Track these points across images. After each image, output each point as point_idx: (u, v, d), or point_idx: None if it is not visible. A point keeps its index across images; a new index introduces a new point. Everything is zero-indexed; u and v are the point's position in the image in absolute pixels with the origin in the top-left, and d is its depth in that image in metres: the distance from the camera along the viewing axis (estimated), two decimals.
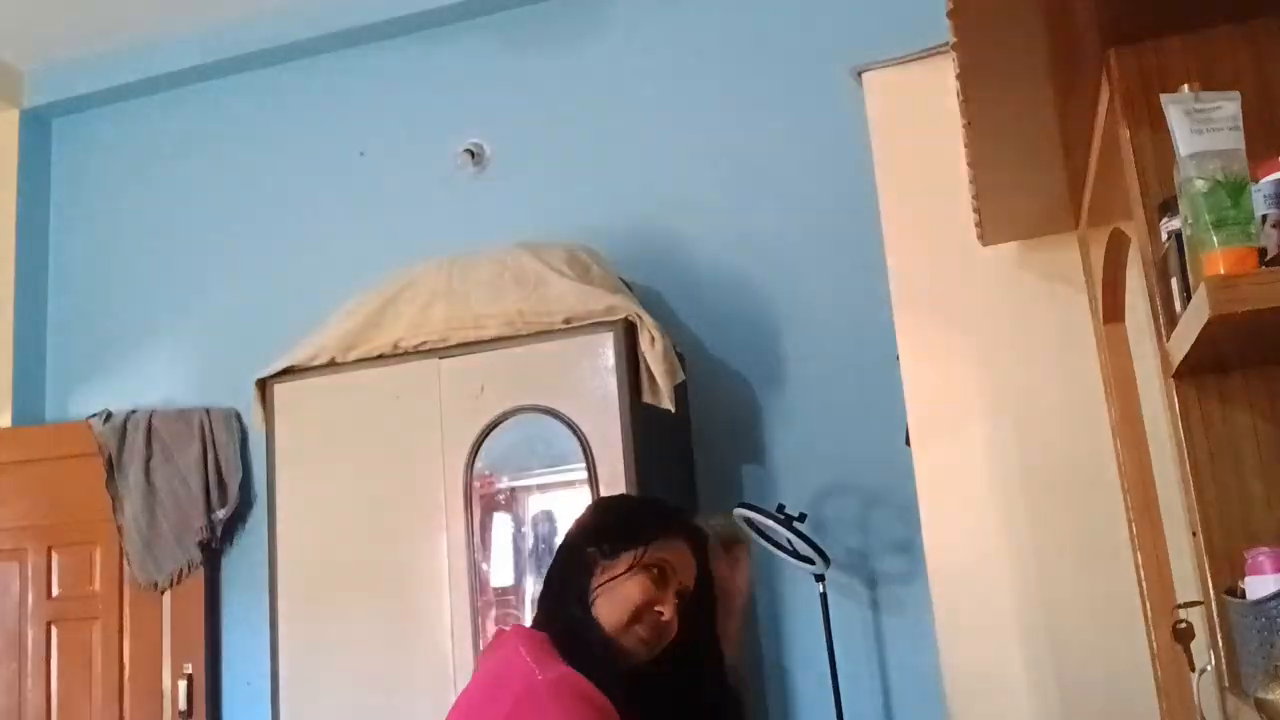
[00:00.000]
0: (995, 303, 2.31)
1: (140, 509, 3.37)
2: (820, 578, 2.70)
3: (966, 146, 1.88)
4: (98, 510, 3.41)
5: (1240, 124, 1.13)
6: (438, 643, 2.68)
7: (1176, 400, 1.38)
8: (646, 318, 2.70)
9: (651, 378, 2.67)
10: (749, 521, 2.66)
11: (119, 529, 3.39)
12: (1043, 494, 2.22)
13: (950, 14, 1.44)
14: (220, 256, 3.70)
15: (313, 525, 2.85)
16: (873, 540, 2.95)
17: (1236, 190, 1.10)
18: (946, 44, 1.54)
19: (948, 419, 2.31)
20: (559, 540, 1.61)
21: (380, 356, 2.87)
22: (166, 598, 3.39)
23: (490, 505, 2.85)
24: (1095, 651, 2.13)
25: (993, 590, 2.22)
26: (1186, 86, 1.17)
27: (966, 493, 2.27)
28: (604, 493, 2.57)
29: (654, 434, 2.75)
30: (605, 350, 2.69)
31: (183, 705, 3.31)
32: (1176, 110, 1.14)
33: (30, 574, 3.44)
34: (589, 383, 2.69)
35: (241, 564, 3.45)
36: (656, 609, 1.46)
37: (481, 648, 2.65)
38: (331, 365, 2.90)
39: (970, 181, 2.02)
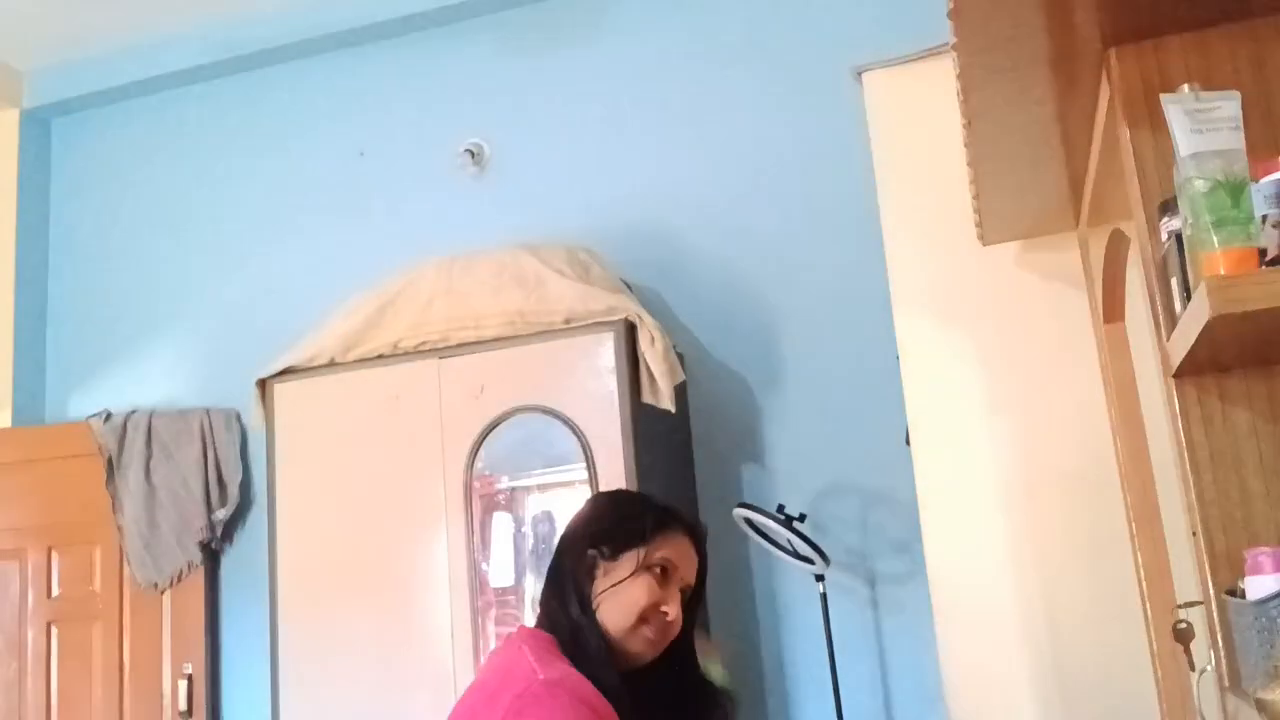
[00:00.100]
0: (995, 303, 2.31)
1: (140, 509, 3.37)
2: (820, 578, 2.70)
3: (966, 146, 1.88)
4: (98, 510, 3.41)
5: (1240, 124, 1.13)
6: (437, 643, 2.69)
7: (1176, 400, 1.38)
8: (646, 318, 2.70)
9: (651, 378, 2.67)
10: (749, 521, 2.66)
11: (119, 529, 3.39)
12: (1043, 494, 2.22)
13: (950, 14, 1.44)
14: (220, 256, 3.70)
15: (313, 525, 2.85)
16: (873, 540, 2.94)
17: (1236, 190, 1.10)
18: (946, 44, 1.54)
19: (948, 419, 2.31)
20: (558, 540, 1.60)
21: (380, 356, 2.87)
22: (166, 598, 3.38)
23: (490, 505, 2.86)
24: (1095, 651, 2.13)
25: (993, 590, 2.22)
26: (1186, 86, 1.17)
27: (966, 492, 2.27)
28: None
29: (654, 434, 2.75)
30: (605, 350, 2.69)
31: (183, 705, 3.31)
32: (1176, 110, 1.14)
33: (30, 574, 3.44)
34: (589, 383, 2.69)
35: (241, 564, 3.44)
36: (662, 609, 1.45)
37: (481, 648, 2.66)
38: (331, 365, 2.90)
39: (970, 181, 2.02)
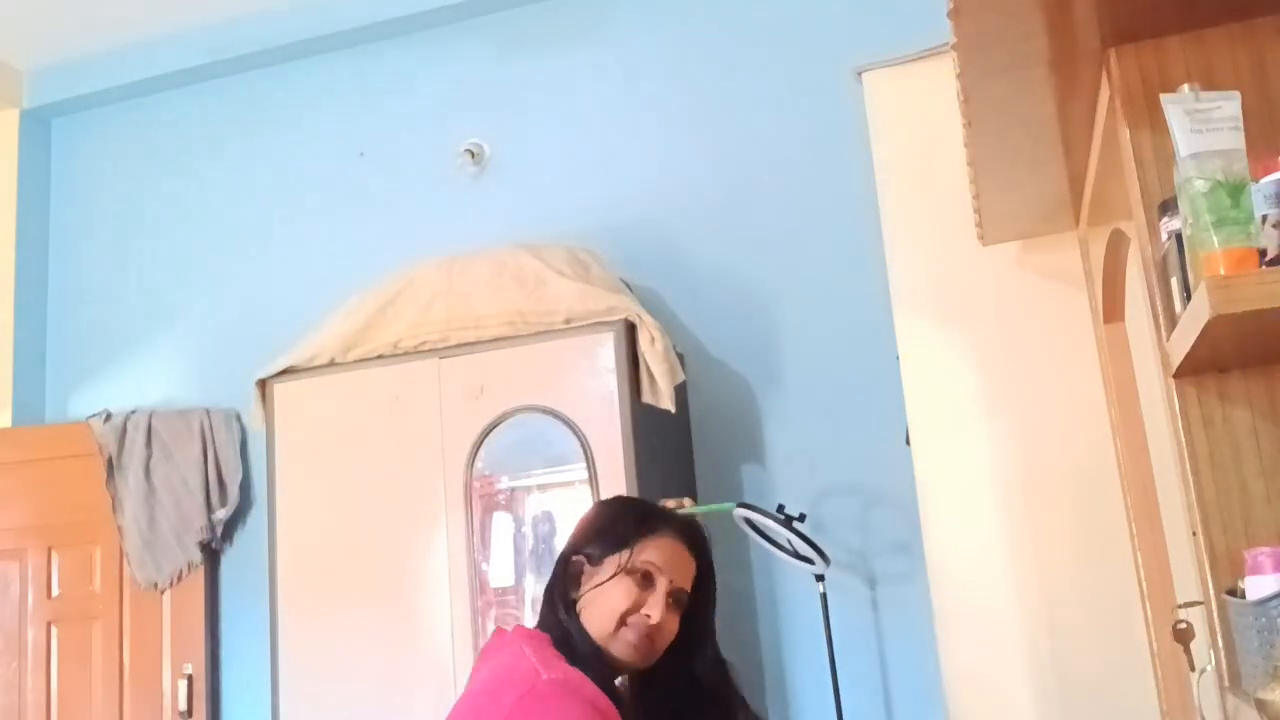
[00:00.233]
0: (995, 303, 2.31)
1: (140, 509, 3.37)
2: (820, 578, 2.69)
3: (966, 146, 1.88)
4: (98, 510, 3.41)
5: (1240, 124, 1.13)
6: (437, 643, 2.68)
7: (1176, 400, 1.38)
8: (646, 318, 2.70)
9: (651, 378, 2.67)
10: (749, 521, 2.66)
11: (119, 529, 3.39)
12: (1043, 494, 2.22)
13: (950, 14, 1.44)
14: (220, 256, 3.70)
15: (313, 525, 2.85)
16: (873, 540, 2.94)
17: (1236, 190, 1.10)
18: (946, 44, 1.54)
19: (948, 419, 2.31)
20: (558, 540, 1.61)
21: (380, 356, 2.87)
22: (166, 598, 3.38)
23: (490, 505, 2.85)
24: (1095, 651, 2.13)
25: (993, 590, 2.22)
26: (1186, 86, 1.17)
27: (966, 493, 2.27)
28: (604, 493, 2.57)
29: (654, 434, 2.75)
30: (605, 350, 2.69)
31: (183, 705, 3.31)
32: (1176, 110, 1.14)
33: (30, 574, 3.43)
34: (589, 383, 2.69)
35: (241, 564, 3.44)
36: (644, 613, 1.46)
37: (481, 647, 2.65)
38: (331, 365, 2.90)
39: (970, 181, 2.02)
